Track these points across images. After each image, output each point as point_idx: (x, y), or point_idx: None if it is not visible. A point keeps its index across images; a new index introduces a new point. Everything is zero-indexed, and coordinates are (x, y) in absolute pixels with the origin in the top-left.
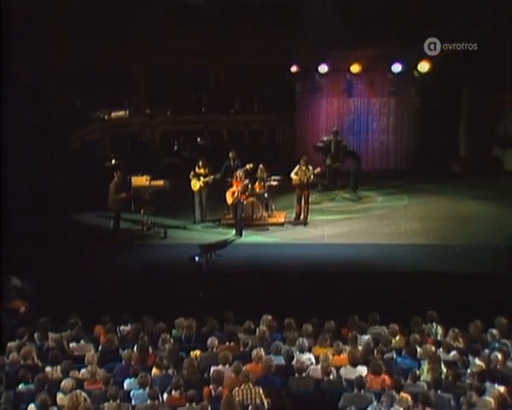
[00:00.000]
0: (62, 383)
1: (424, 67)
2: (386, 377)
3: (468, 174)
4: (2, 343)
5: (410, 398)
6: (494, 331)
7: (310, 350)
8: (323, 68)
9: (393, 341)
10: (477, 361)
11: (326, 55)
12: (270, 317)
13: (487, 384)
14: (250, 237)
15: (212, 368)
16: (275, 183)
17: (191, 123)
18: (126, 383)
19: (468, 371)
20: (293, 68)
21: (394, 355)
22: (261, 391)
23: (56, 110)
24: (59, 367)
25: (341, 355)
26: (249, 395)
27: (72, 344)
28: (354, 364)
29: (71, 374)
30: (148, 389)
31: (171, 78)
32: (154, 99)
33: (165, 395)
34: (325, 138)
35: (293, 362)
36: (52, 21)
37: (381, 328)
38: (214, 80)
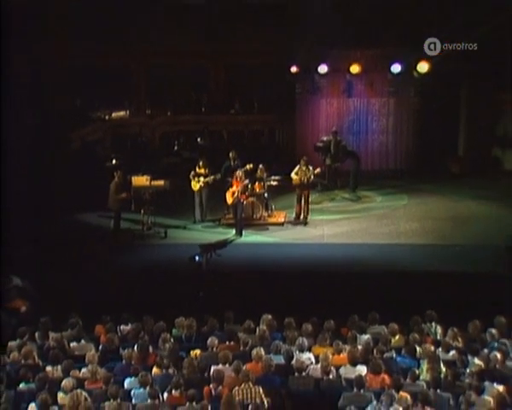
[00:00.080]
0: (63, 383)
1: (423, 67)
2: (386, 377)
3: (467, 174)
4: (3, 343)
5: (409, 397)
6: (493, 331)
7: (309, 350)
8: (323, 69)
9: (393, 340)
10: (476, 361)
11: (326, 55)
12: (270, 316)
13: (486, 384)
14: (250, 237)
15: (213, 367)
16: (275, 183)
17: (191, 123)
18: (127, 383)
19: (468, 370)
20: (293, 69)
21: (394, 355)
22: (261, 390)
23: (56, 110)
24: (59, 367)
25: (341, 355)
26: (249, 395)
27: (73, 344)
28: (354, 363)
29: (71, 373)
30: (148, 388)
31: (172, 78)
32: (155, 99)
33: (165, 395)
34: (325, 138)
35: (293, 361)
36: (52, 21)
37: (380, 327)
38: (214, 80)
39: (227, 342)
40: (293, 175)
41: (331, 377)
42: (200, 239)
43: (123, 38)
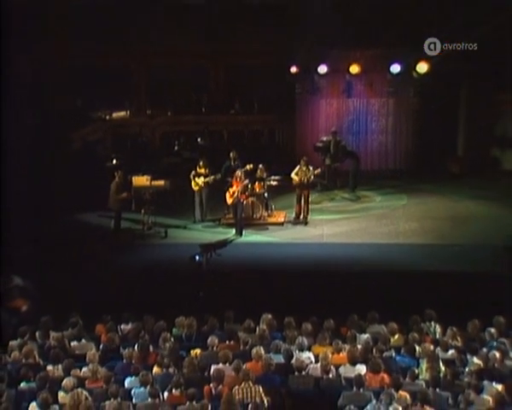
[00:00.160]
0: (64, 382)
1: (423, 67)
2: (385, 376)
3: (467, 174)
4: (3, 342)
5: (408, 396)
6: (492, 330)
7: (309, 349)
8: (323, 69)
9: (392, 339)
10: (475, 360)
11: (325, 55)
12: (269, 316)
13: (485, 383)
14: (250, 237)
15: (213, 367)
16: (275, 183)
17: (191, 123)
18: (127, 382)
19: (467, 369)
20: (293, 69)
21: (393, 354)
22: (261, 389)
23: (57, 110)
24: (60, 366)
25: (341, 354)
26: (249, 394)
27: (74, 343)
28: (353, 362)
29: (72, 373)
30: (148, 387)
31: (172, 78)
32: (155, 99)
33: (165, 394)
34: (324, 139)
35: (293, 361)
36: (52, 21)
37: (379, 327)
38: (214, 80)
39: (227, 342)
40: (293, 175)
41: (331, 376)
42: (200, 239)
43: (123, 38)
